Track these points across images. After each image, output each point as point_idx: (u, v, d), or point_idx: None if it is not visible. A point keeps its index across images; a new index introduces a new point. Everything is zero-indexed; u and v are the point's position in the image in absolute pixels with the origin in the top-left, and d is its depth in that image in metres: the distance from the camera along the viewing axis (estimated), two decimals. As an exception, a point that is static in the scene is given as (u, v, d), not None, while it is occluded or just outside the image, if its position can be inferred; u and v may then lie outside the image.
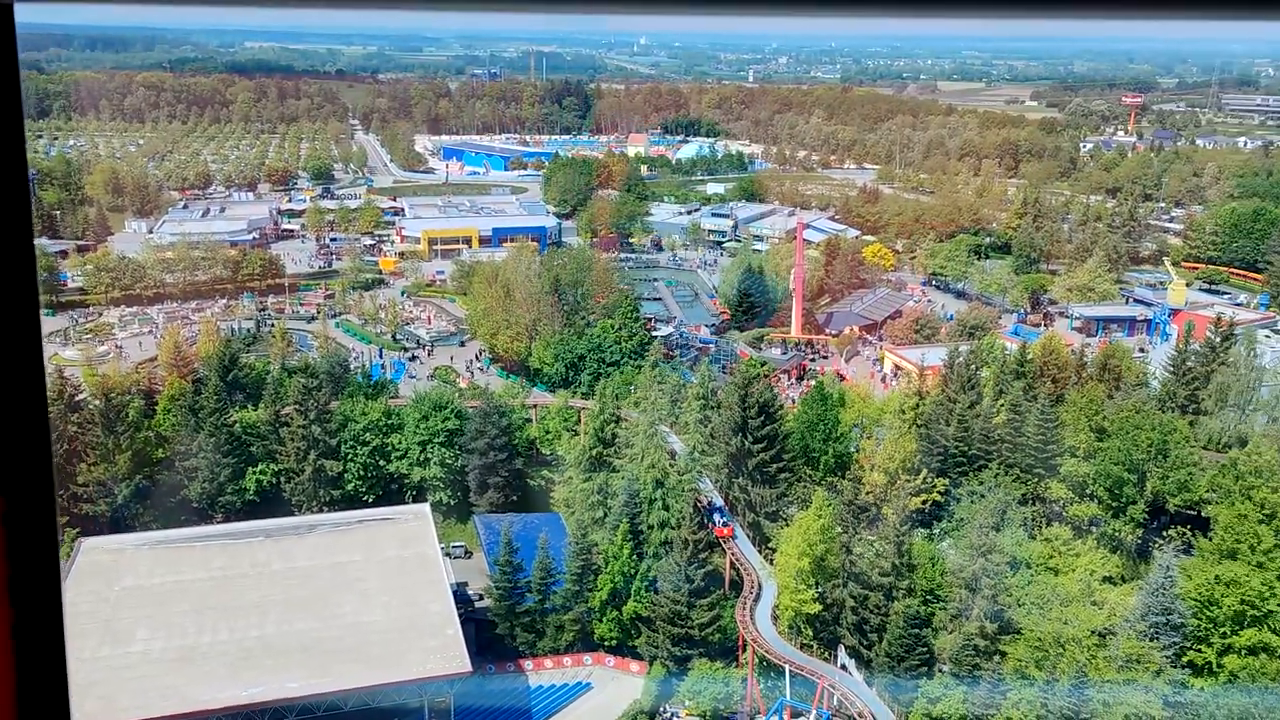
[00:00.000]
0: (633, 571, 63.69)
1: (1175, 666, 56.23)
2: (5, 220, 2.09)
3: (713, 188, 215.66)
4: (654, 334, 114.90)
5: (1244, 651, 55.63)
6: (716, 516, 70.29)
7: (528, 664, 63.32)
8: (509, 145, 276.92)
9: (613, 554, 63.96)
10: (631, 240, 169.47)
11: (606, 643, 63.50)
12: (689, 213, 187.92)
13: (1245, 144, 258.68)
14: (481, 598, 68.00)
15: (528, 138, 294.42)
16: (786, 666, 57.27)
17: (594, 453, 75.58)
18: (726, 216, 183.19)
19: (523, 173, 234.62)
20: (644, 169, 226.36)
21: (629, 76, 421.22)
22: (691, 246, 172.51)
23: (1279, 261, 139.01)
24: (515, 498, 79.94)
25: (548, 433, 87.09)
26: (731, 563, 69.09)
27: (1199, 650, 57.20)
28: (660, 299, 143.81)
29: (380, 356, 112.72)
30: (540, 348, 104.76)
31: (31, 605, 2.19)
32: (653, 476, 68.98)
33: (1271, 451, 74.38)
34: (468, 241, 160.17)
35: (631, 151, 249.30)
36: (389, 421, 79.70)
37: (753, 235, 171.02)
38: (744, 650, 60.62)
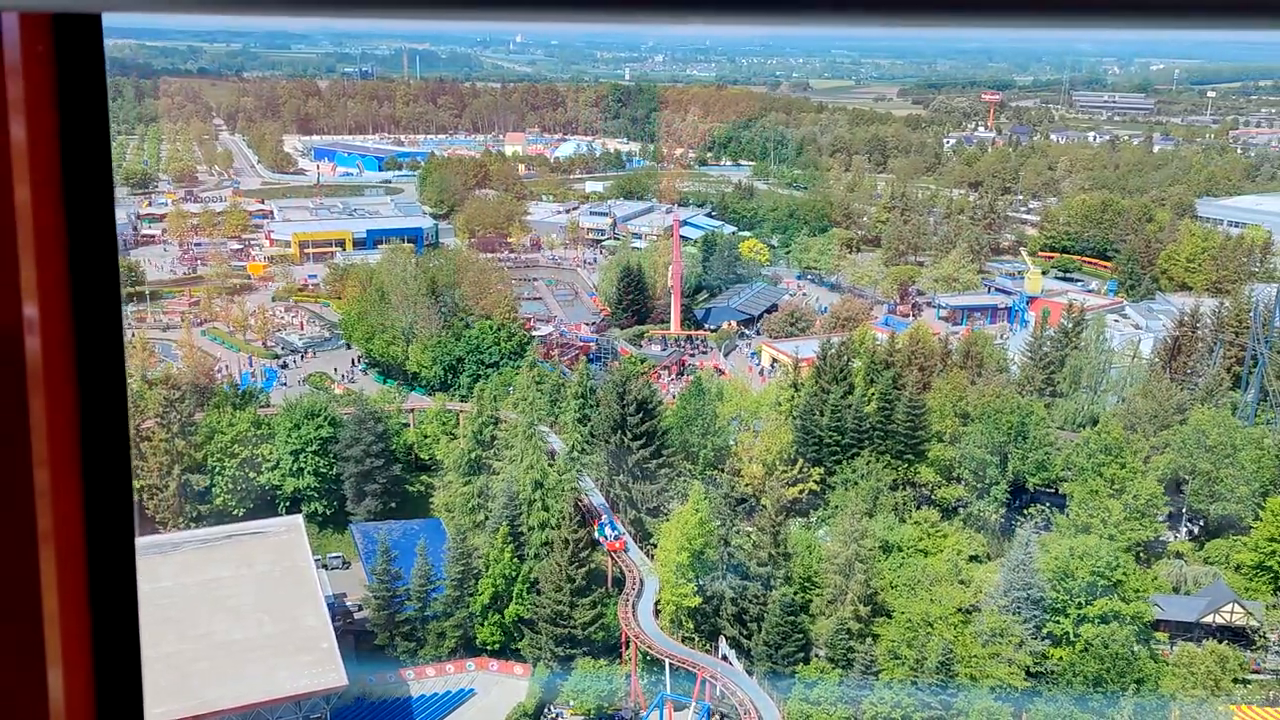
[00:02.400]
0: (514, 574, 63.32)
1: (1036, 638, 59.04)
2: (92, 231, 2.12)
3: (591, 186, 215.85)
4: (533, 334, 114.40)
5: (1097, 620, 58.77)
6: (608, 530, 69.87)
7: (409, 673, 62.25)
8: (383, 145, 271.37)
9: (493, 557, 63.45)
10: (510, 240, 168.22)
11: (489, 647, 62.98)
12: (568, 211, 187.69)
13: (1094, 139, 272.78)
14: (360, 608, 66.55)
15: (402, 137, 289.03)
16: (667, 661, 57.82)
17: (473, 456, 74.80)
18: (605, 215, 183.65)
19: (398, 173, 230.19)
20: (522, 168, 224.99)
21: (505, 75, 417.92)
22: (571, 245, 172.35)
23: (1126, 250, 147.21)
24: (394, 505, 78.44)
25: (426, 437, 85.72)
26: (614, 560, 69.34)
27: (1057, 621, 60.16)
28: (540, 298, 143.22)
29: (250, 364, 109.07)
30: (418, 351, 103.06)
31: (109, 604, 2.23)
32: (532, 478, 68.69)
33: (1119, 429, 78.75)
34: (341, 244, 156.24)
35: (509, 150, 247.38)
36: (259, 432, 77.20)
37: (631, 233, 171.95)
38: (627, 647, 60.95)
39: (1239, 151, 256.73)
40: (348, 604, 67.56)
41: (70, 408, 2.12)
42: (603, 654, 61.65)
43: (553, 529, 65.84)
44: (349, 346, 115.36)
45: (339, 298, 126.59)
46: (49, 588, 2.06)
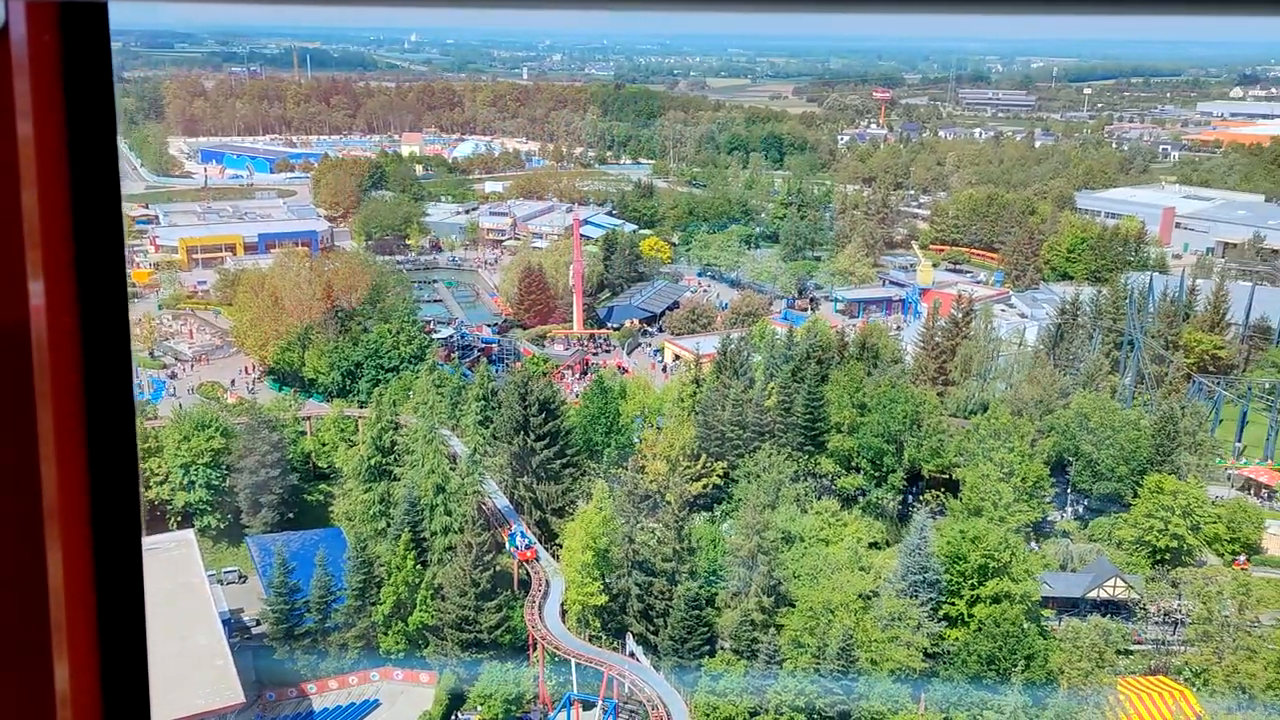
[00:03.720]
0: (417, 581, 62.38)
1: (933, 620, 60.72)
2: (99, 224, 2.13)
3: (491, 186, 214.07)
4: (434, 336, 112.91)
5: (989, 600, 60.79)
6: (519, 540, 69.19)
7: (311, 687, 60.79)
8: (274, 146, 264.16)
9: (395, 564, 62.39)
10: (409, 242, 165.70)
11: (393, 656, 61.90)
12: (467, 212, 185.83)
13: (980, 135, 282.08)
14: (258, 623, 64.72)
15: (294, 138, 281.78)
16: (573, 660, 57.76)
17: (373, 462, 73.40)
18: (505, 215, 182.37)
19: (290, 175, 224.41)
20: (419, 168, 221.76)
21: (401, 73, 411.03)
22: (471, 246, 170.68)
23: (1011, 242, 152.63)
24: (291, 515, 76.49)
25: (324, 445, 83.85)
26: (520, 562, 68.89)
27: (952, 603, 62.02)
28: (440, 300, 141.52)
29: (136, 376, 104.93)
30: (314, 357, 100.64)
31: (115, 599, 2.24)
32: (433, 482, 67.75)
33: (1007, 415, 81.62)
34: (232, 249, 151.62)
35: (406, 151, 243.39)
36: (146, 445, 74.37)
37: (532, 233, 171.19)
38: (534, 649, 60.65)
39: (1114, 145, 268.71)
40: (244, 619, 65.66)
41: (76, 402, 2.12)
42: (510, 657, 61.18)
43: (456, 533, 65.09)
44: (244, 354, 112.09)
45: (231, 304, 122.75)
46: (55, 582, 2.06)
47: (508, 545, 68.69)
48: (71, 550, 2.11)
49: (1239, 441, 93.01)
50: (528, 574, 67.29)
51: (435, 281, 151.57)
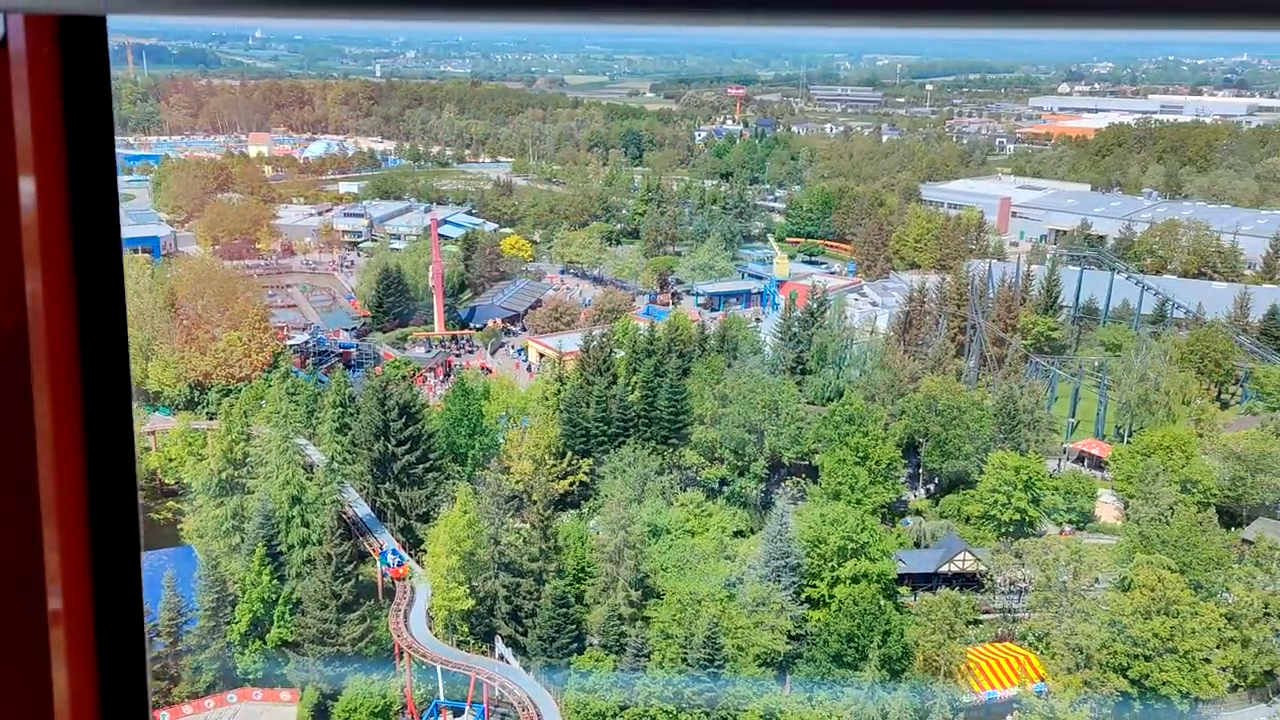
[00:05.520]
0: (274, 596, 60.23)
1: (796, 603, 62.36)
2: (97, 234, 2.15)
3: (345, 186, 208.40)
4: (288, 342, 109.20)
5: (849, 581, 62.78)
6: (390, 557, 66.94)
7: (164, 715, 57.88)
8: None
9: (250, 581, 60.08)
10: (259, 246, 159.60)
11: (251, 676, 59.59)
12: (321, 214, 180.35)
13: (830, 130, 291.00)
14: (103, 652, 61.21)
15: (131, 139, 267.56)
16: (439, 667, 56.87)
17: (224, 475, 70.44)
18: (360, 216, 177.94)
19: (128, 178, 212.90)
20: (268, 169, 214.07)
21: (246, 71, 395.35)
22: (326, 249, 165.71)
23: (862, 233, 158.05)
24: (137, 536, 72.59)
25: (171, 460, 79.93)
26: (383, 571, 67.33)
27: (814, 585, 63.80)
28: (294, 305, 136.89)
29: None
30: (158, 369, 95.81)
31: (114, 601, 2.25)
32: (289, 493, 65.50)
33: (861, 401, 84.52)
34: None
35: (253, 151, 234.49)
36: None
37: (390, 234, 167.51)
38: (400, 659, 59.40)
39: (954, 139, 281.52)
40: (88, 648, 62.03)
41: (74, 405, 2.16)
42: (376, 669, 59.74)
43: (314, 545, 63.12)
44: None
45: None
46: (53, 584, 2.09)
47: (379, 564, 66.84)
48: (69, 551, 2.10)
49: (1072, 417, 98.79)
50: (392, 582, 65.82)
51: (289, 286, 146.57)
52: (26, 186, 1.96)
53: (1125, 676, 57.35)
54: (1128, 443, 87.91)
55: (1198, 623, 57.89)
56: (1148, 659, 57.00)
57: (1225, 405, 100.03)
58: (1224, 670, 59.68)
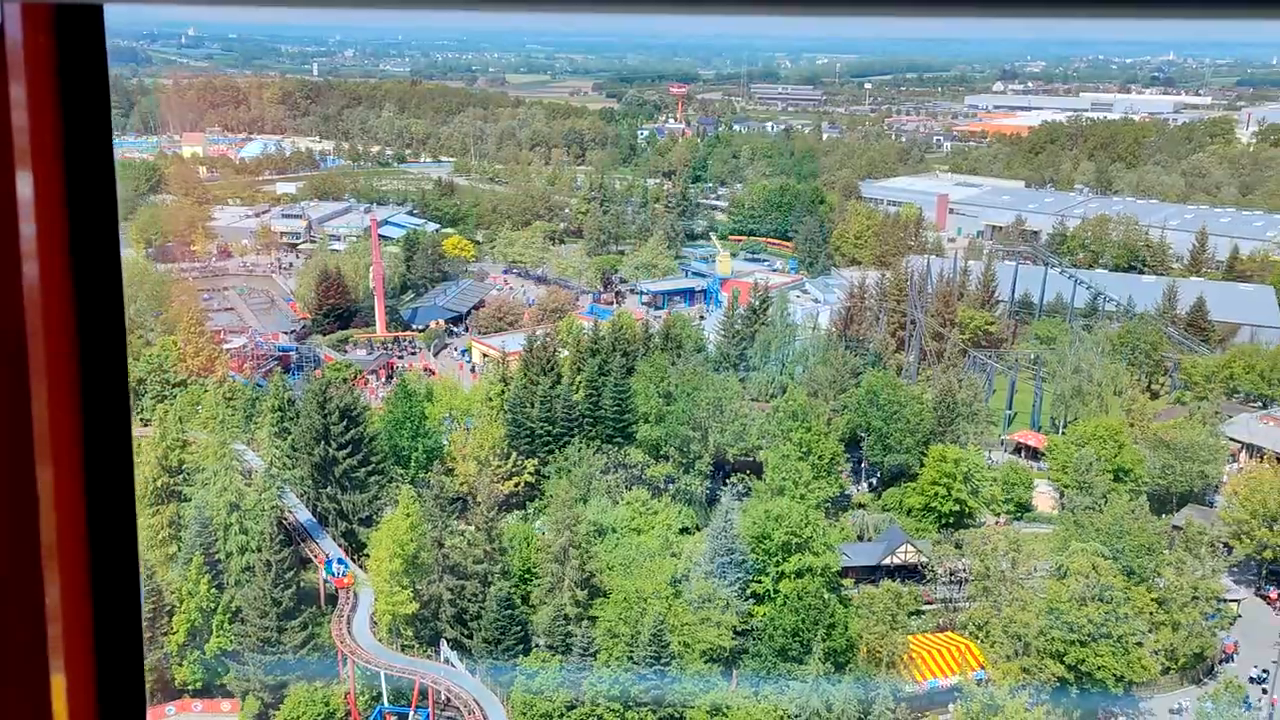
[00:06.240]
0: (213, 605, 59.12)
1: (741, 598, 62.76)
2: (94, 227, 2.15)
3: (283, 187, 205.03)
4: (225, 346, 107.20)
5: (793, 575, 63.34)
6: (335, 566, 65.40)
7: (99, 730, 56.49)
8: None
9: (188, 590, 58.88)
10: (194, 248, 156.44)
11: (191, 687, 58.44)
12: (258, 215, 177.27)
13: (772, 129, 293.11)
14: (34, 667, 59.58)
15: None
16: (383, 672, 56.28)
17: (159, 483, 68.88)
18: (299, 217, 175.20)
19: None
20: (203, 170, 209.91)
21: (179, 69, 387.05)
22: (264, 251, 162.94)
23: (803, 231, 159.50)
24: (69, 547, 70.77)
25: (104, 469, 77.98)
26: (328, 581, 66.36)
27: (759, 581, 64.26)
28: (232, 308, 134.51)
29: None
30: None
31: (111, 604, 2.25)
32: (227, 500, 64.30)
33: (804, 396, 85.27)
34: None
35: (187, 152, 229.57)
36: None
37: (329, 235, 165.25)
38: (344, 665, 58.65)
39: (893, 137, 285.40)
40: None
41: (73, 403, 2.15)
42: (319, 675, 58.92)
43: (254, 552, 62.03)
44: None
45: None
46: (52, 588, 2.09)
47: (323, 573, 65.70)
48: (68, 558, 2.09)
49: (1009, 409, 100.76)
50: (334, 588, 64.91)
51: (226, 289, 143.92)
52: (24, 177, 1.94)
53: (1062, 662, 58.66)
54: (1062, 433, 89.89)
55: (1130, 608, 59.43)
56: (1083, 644, 58.34)
57: (1155, 395, 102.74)
58: (1156, 654, 61.32)
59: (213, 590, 59.93)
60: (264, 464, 72.58)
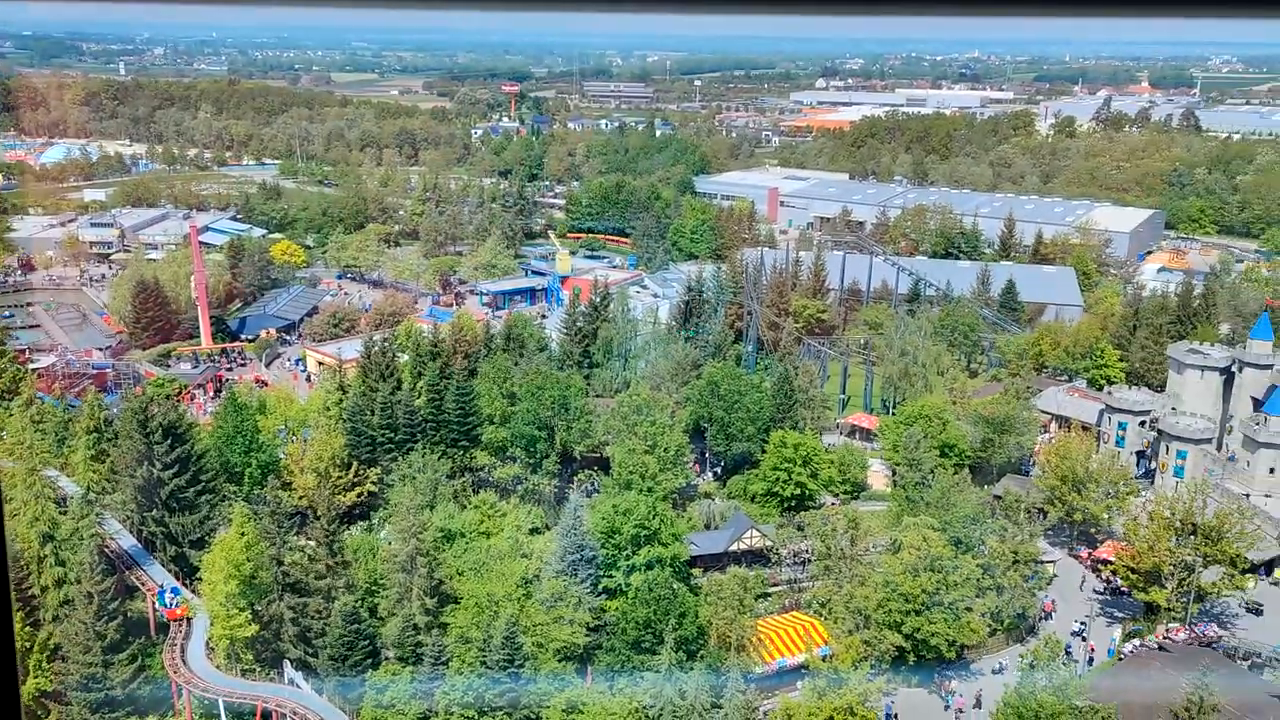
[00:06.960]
0: (28, 645, 54.86)
1: (593, 594, 62.87)
2: None
3: (90, 194, 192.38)
4: (31, 366, 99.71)
5: (644, 568, 63.95)
6: (168, 597, 61.18)
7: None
8: None
9: None
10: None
11: (6, 735, 54.09)
12: (64, 224, 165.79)
13: (606, 125, 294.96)
14: None
15: None
16: (221, 700, 53.68)
17: (-40, 518, 63.39)
18: (110, 225, 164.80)
19: None
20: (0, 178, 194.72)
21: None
22: (71, 262, 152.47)
23: (640, 226, 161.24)
24: None
25: (-106, 506, 71.27)
26: (154, 604, 62.67)
27: (610, 575, 64.55)
28: (38, 325, 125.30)
29: None
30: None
31: None
32: (39, 531, 59.82)
33: (647, 390, 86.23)
34: None
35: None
36: None
37: (145, 244, 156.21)
38: (179, 696, 55.58)
39: (724, 133, 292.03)
40: None
41: None
42: (151, 708, 55.57)
43: (72, 584, 57.94)
44: None
45: None
46: None
47: (156, 604, 61.72)
48: None
49: (843, 394, 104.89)
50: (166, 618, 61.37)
51: (30, 304, 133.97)
52: None
53: (900, 632, 61.47)
54: (892, 414, 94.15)
55: (959, 575, 62.82)
56: (918, 613, 61.32)
57: (974, 374, 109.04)
58: (983, 616, 65.06)
59: (27, 628, 55.64)
60: (80, 490, 67.92)
